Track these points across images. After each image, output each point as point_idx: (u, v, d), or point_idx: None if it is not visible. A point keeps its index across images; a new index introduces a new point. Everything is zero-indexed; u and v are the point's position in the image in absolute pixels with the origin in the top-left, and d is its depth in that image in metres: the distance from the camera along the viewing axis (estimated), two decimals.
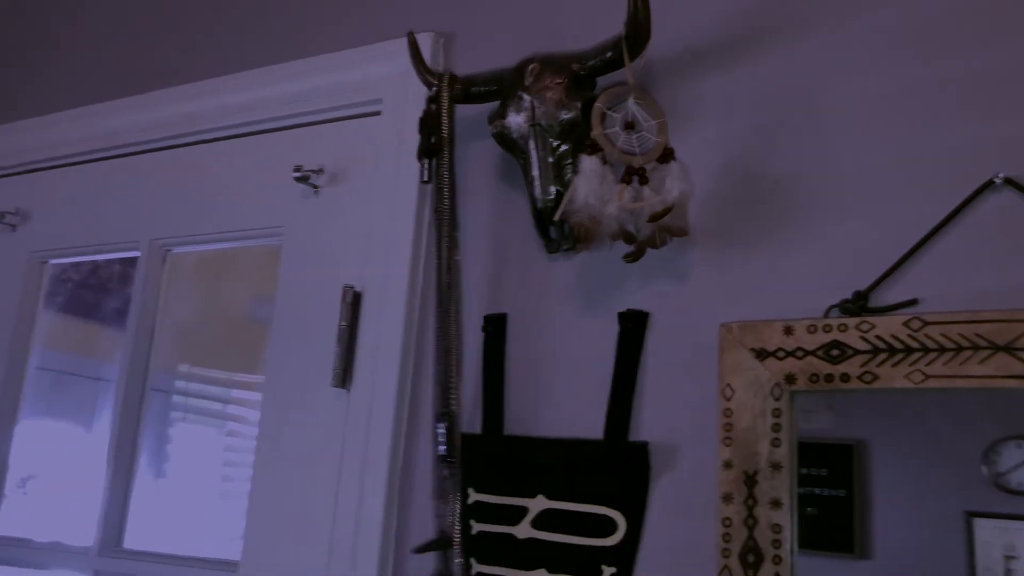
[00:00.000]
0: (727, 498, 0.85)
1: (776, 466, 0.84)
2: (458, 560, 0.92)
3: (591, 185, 0.89)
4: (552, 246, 1.02)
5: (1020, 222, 0.80)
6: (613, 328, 0.97)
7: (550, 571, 0.94)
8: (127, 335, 1.34)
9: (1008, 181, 0.81)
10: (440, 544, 0.94)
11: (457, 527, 0.93)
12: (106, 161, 1.43)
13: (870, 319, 0.82)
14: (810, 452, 0.89)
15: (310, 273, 1.18)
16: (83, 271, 1.75)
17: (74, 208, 1.45)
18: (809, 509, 0.89)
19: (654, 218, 0.88)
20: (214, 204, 1.30)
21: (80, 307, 1.86)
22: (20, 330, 1.48)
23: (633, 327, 0.96)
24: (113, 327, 1.85)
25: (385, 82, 1.16)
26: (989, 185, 0.82)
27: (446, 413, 0.94)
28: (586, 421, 0.96)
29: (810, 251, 0.89)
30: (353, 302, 1.11)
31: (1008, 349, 0.76)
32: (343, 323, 1.11)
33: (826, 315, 0.85)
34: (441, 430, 0.94)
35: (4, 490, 1.43)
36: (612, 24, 0.96)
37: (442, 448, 0.94)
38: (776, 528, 0.83)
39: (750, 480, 0.84)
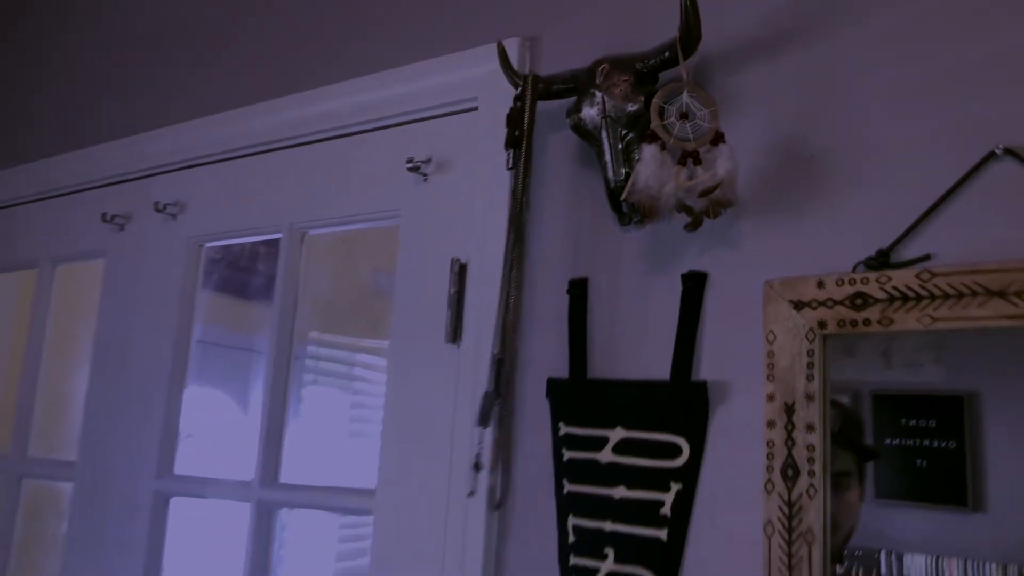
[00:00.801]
0: (770, 424, 1.02)
1: (810, 397, 1.00)
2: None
3: (651, 169, 1.06)
4: (624, 220, 1.20)
5: (1016, 186, 0.94)
6: (677, 287, 1.15)
7: (628, 487, 1.14)
8: (273, 308, 1.59)
9: (1008, 151, 0.95)
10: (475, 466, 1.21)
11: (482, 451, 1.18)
12: (249, 157, 1.67)
13: (888, 273, 0.98)
14: (918, 405, 0.95)
15: (423, 248, 1.40)
16: (231, 254, 2.03)
17: (224, 198, 1.71)
18: (919, 461, 0.94)
19: (705, 193, 1.05)
20: (341, 192, 1.53)
21: (229, 286, 2.15)
22: (183, 307, 1.74)
23: (694, 286, 1.14)
24: (256, 302, 2.14)
25: (480, 83, 1.35)
26: (991, 156, 0.96)
27: (498, 358, 1.17)
28: (655, 365, 1.15)
29: (840, 217, 1.04)
30: (459, 272, 1.32)
31: (1002, 294, 0.91)
32: (452, 289, 1.32)
33: (853, 271, 1.01)
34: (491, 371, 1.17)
35: (178, 440, 1.71)
36: (669, 27, 1.13)
37: (488, 385, 1.17)
38: (811, 448, 1.00)
39: (789, 409, 1.01)
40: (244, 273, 2.13)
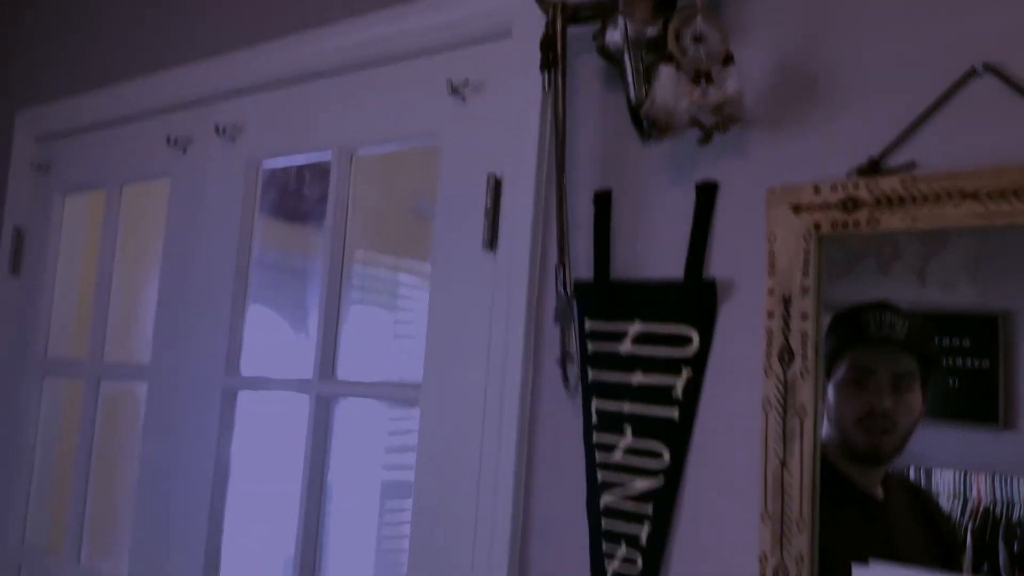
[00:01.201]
0: (770, 315, 1.16)
1: (805, 290, 1.14)
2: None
3: (667, 88, 1.18)
4: (644, 135, 1.32)
5: (993, 100, 1.05)
6: (691, 196, 1.28)
7: (644, 373, 1.28)
8: (326, 222, 1.74)
9: (987, 68, 1.05)
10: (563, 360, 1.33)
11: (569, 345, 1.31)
12: (301, 83, 1.81)
13: (877, 179, 1.09)
14: (952, 323, 0.99)
15: (462, 165, 1.53)
16: (284, 180, 2.19)
17: (279, 121, 1.85)
18: (951, 381, 0.97)
19: (716, 109, 1.17)
20: (386, 114, 1.66)
21: (281, 211, 2.31)
22: (244, 221, 1.90)
23: (706, 194, 1.26)
24: (307, 226, 2.30)
25: (513, 10, 1.46)
26: (972, 73, 1.06)
27: (558, 264, 1.31)
28: (671, 266, 1.28)
29: (836, 130, 1.16)
30: (495, 186, 1.46)
31: (975, 197, 1.02)
32: (488, 203, 1.46)
33: (846, 178, 1.13)
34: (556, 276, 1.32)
35: (242, 349, 1.88)
36: None
37: (558, 288, 1.31)
38: (804, 334, 1.13)
39: (786, 301, 1.15)
40: (295, 198, 2.29)
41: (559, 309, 1.34)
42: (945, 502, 1.02)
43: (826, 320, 1.13)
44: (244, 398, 1.87)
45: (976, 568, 0.99)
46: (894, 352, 1.10)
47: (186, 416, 1.90)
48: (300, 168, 2.28)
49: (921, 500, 1.07)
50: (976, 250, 1.03)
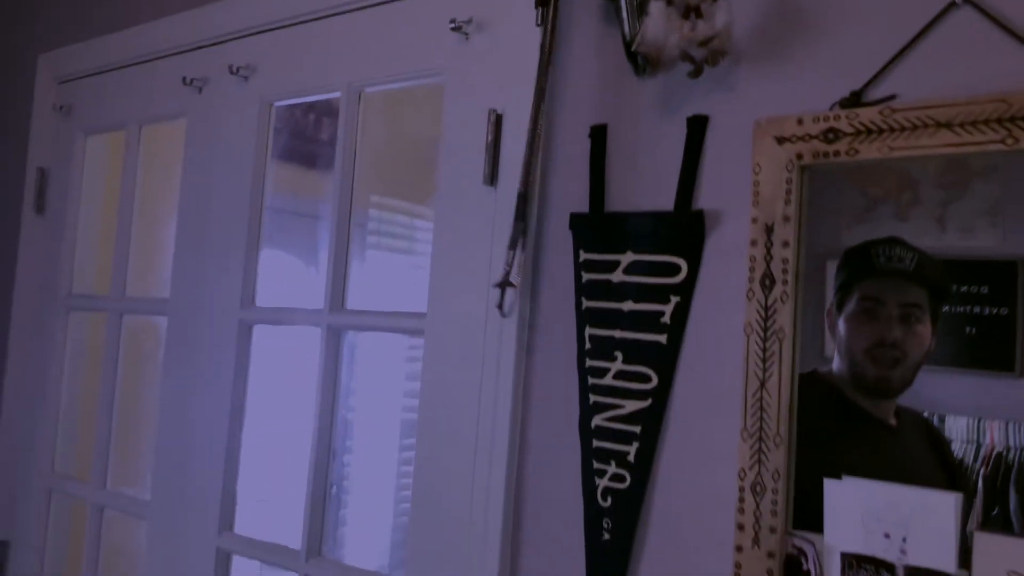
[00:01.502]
0: (753, 243, 1.21)
1: (787, 218, 1.18)
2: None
3: (658, 24, 1.22)
4: (638, 70, 1.36)
5: (970, 33, 1.08)
6: (683, 130, 1.32)
7: (635, 301, 1.34)
8: (336, 161, 1.79)
9: (966, 0, 1.08)
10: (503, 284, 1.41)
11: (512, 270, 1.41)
12: (312, 23, 1.85)
13: (857, 110, 1.13)
14: (970, 270, 0.97)
15: (465, 101, 1.58)
16: (294, 121, 2.24)
17: (290, 61, 1.90)
18: (968, 328, 0.96)
19: (704, 43, 1.21)
20: (393, 53, 1.70)
21: (292, 154, 2.37)
22: (258, 158, 1.95)
23: (696, 127, 1.31)
24: (316, 170, 2.36)
25: None
26: (951, 6, 1.09)
27: (520, 192, 1.38)
28: (662, 198, 1.33)
29: (820, 64, 1.19)
30: (496, 121, 1.51)
31: (948, 126, 1.06)
32: (489, 137, 1.51)
33: (829, 110, 1.17)
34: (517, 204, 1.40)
35: (256, 284, 1.95)
36: None
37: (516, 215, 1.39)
38: (785, 260, 1.18)
39: (769, 229, 1.20)
40: (306, 143, 2.34)
41: (512, 236, 1.40)
42: (958, 448, 1.03)
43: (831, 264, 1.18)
44: (267, 337, 1.95)
45: (987, 512, 1.01)
46: (903, 284, 1.11)
47: (204, 348, 1.98)
48: (319, 117, 2.33)
49: (933, 436, 1.08)
50: (996, 195, 1.02)
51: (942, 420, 1.05)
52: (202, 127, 2.06)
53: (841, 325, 1.16)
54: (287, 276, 2.26)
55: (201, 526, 1.93)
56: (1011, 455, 0.99)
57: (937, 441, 1.08)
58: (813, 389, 1.18)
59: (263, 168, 1.95)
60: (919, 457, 1.11)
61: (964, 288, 0.95)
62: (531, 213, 1.44)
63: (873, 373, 1.14)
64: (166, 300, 2.11)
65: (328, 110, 1.90)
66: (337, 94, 1.81)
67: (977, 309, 0.96)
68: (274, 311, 1.92)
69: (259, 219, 1.95)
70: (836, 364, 1.17)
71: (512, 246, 1.41)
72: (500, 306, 1.43)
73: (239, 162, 1.96)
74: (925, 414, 1.07)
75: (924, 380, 1.06)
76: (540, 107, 1.42)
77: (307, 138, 2.35)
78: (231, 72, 1.96)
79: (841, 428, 1.16)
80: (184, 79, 2.06)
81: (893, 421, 1.13)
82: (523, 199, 1.41)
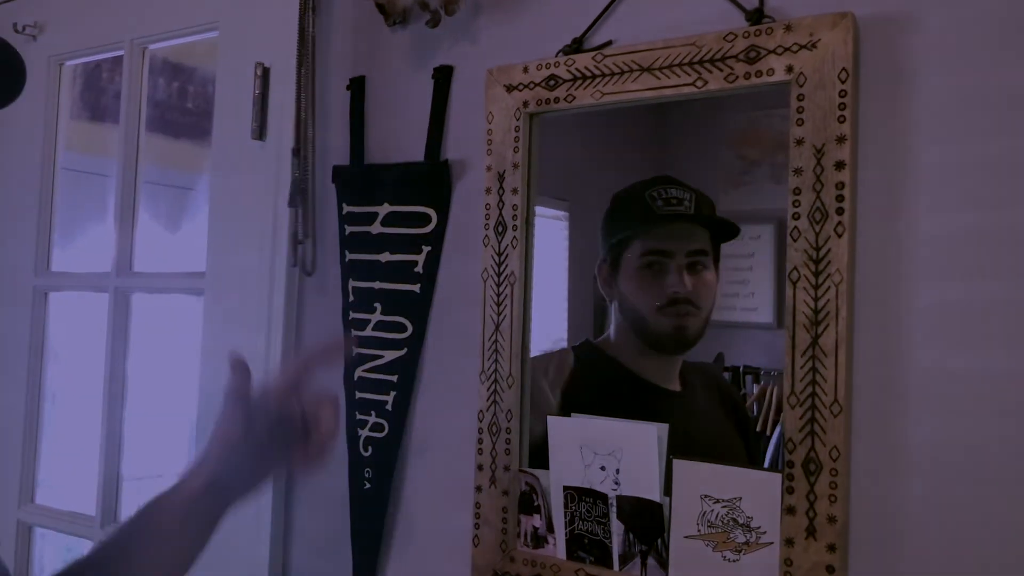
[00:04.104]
0: (488, 191, 1.23)
1: (516, 165, 1.20)
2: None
3: None
4: (390, 21, 1.36)
5: None
6: (431, 80, 1.33)
7: (391, 252, 1.35)
8: (120, 120, 1.75)
9: None
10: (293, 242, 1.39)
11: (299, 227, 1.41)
12: None
13: (574, 56, 1.16)
14: None
15: (236, 55, 1.54)
16: (84, 75, 2.15)
17: (76, 19, 1.83)
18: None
19: None
20: (170, 6, 1.66)
21: (86, 111, 2.27)
22: (48, 125, 1.89)
23: (442, 78, 1.32)
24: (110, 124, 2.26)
25: None
26: None
27: (294, 148, 1.37)
28: (414, 149, 1.34)
29: (552, 10, 1.21)
30: (263, 75, 1.49)
31: (650, 70, 1.09)
32: (256, 91, 1.49)
33: (555, 56, 1.19)
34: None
35: (51, 250, 1.90)
36: None
37: (293, 173, 1.37)
38: (515, 207, 1.20)
39: (500, 177, 1.22)
40: (98, 96, 2.26)
41: (291, 194, 1.39)
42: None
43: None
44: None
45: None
46: (686, 229, 1.07)
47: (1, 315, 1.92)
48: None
49: (723, 391, 1.07)
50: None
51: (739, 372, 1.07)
52: None
53: (622, 283, 1.11)
54: (92, 238, 2.19)
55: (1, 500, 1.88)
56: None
57: (728, 395, 1.08)
58: (586, 362, 1.15)
59: (53, 128, 1.89)
60: (707, 416, 1.09)
61: None
62: (307, 168, 1.42)
63: (668, 330, 1.09)
64: None
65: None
66: (121, 52, 1.76)
67: None
68: (65, 275, 1.87)
69: (51, 181, 1.89)
70: (614, 328, 1.13)
71: (291, 204, 1.40)
72: (296, 264, 1.42)
73: (30, 124, 1.89)
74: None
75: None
76: (303, 59, 1.41)
77: (97, 91, 2.25)
78: (16, 31, 1.89)
79: (620, 404, 1.10)
80: None
81: (677, 386, 1.10)
82: (295, 154, 1.40)
